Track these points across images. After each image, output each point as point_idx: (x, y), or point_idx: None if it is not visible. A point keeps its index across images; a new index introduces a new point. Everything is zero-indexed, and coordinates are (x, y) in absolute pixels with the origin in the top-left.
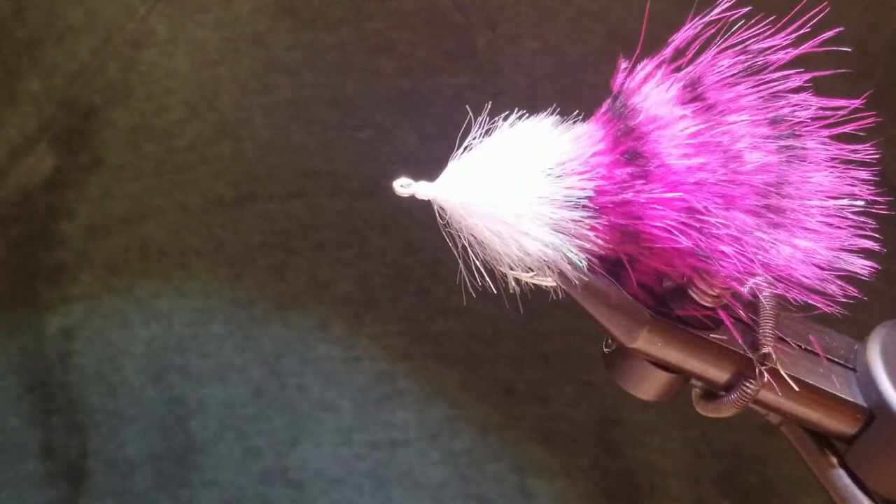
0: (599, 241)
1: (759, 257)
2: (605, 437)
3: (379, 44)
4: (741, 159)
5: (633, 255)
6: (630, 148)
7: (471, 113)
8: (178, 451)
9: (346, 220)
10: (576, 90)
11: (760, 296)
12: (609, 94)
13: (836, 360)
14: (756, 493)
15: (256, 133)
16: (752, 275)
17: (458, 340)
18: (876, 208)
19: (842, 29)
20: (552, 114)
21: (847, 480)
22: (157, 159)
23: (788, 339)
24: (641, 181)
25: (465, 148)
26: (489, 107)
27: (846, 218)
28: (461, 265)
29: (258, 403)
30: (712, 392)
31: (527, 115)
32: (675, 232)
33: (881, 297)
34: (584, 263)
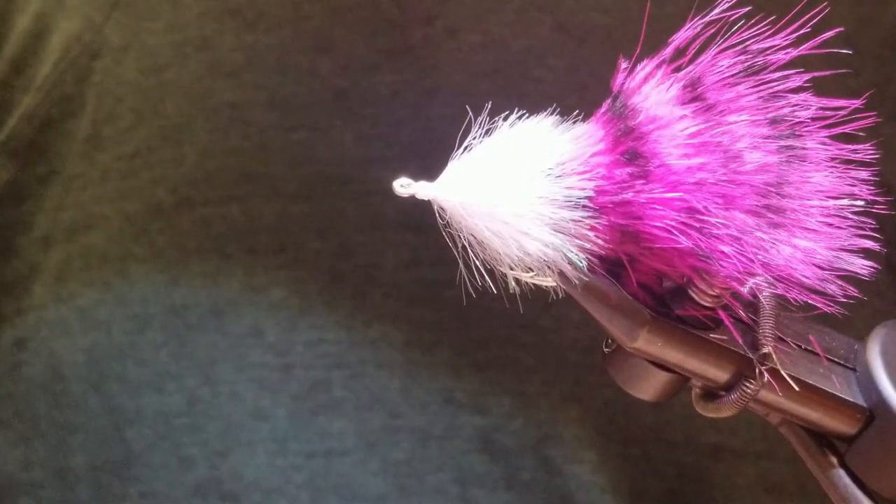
0: (599, 241)
1: (760, 257)
2: (542, 452)
3: (317, 43)
4: (741, 159)
5: (633, 255)
6: (630, 148)
7: (469, 113)
8: (116, 462)
9: (281, 224)
10: (519, 85)
11: (760, 296)
12: (608, 94)
13: (836, 360)
14: None
15: (197, 137)
16: (753, 274)
17: (396, 347)
18: (874, 208)
19: (841, 29)
20: (552, 113)
21: (847, 480)
22: (104, 168)
23: (788, 339)
24: (641, 181)
25: (465, 148)
26: (483, 110)
27: (846, 218)
28: (461, 266)
29: (192, 412)
30: (712, 392)
31: (524, 115)
32: (675, 232)
33: (880, 297)
34: (584, 263)
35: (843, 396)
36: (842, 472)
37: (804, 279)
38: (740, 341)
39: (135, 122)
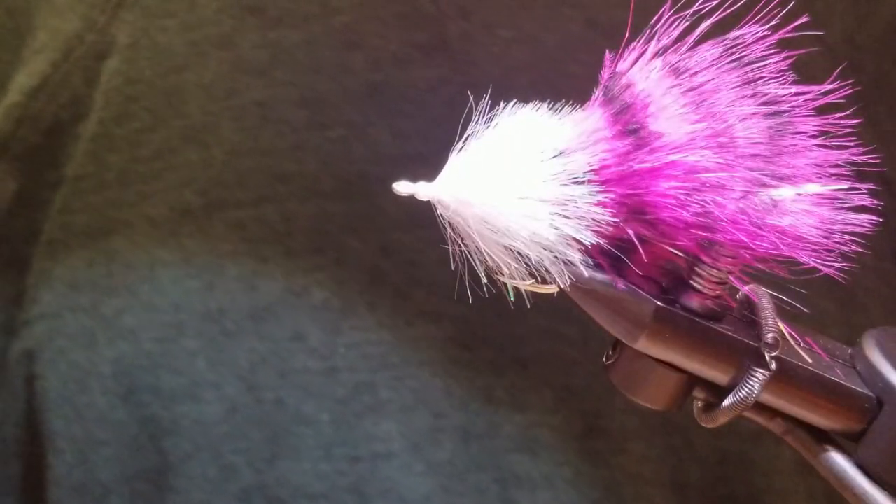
0: (606, 217)
1: (763, 218)
2: (586, 445)
3: (348, 38)
4: (736, 127)
5: (639, 234)
6: (629, 121)
7: (466, 105)
8: (152, 473)
9: (319, 225)
10: (553, 80)
11: (755, 293)
12: (602, 76)
13: (836, 358)
14: (743, 502)
15: (224, 138)
16: (759, 236)
17: (438, 346)
18: (873, 205)
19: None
20: (546, 102)
21: (862, 478)
22: (120, 170)
23: (788, 336)
24: (643, 151)
25: (463, 143)
26: (484, 101)
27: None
28: (460, 267)
29: (233, 420)
30: (713, 403)
31: (521, 104)
32: (681, 198)
33: (878, 298)
34: (593, 242)
35: (850, 386)
36: (856, 471)
37: (809, 236)
38: (745, 334)
39: (152, 123)
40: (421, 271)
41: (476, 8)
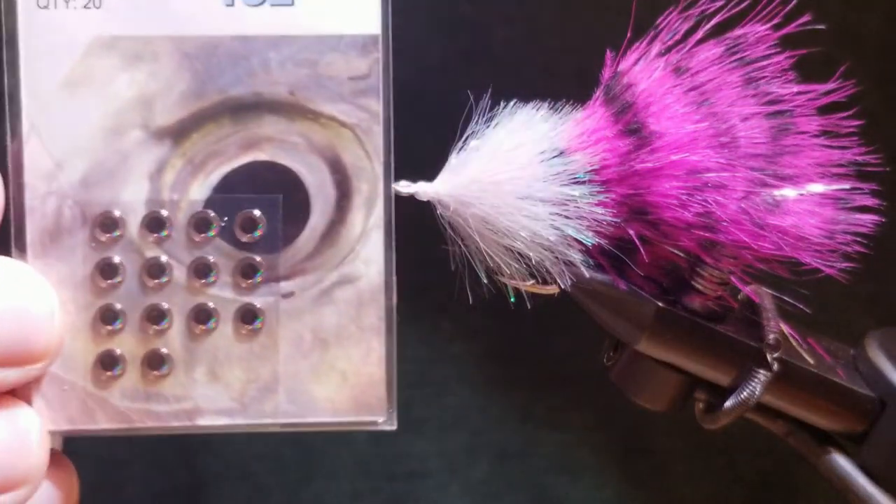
0: (607, 218)
1: (765, 219)
2: (627, 465)
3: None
4: (738, 127)
5: (640, 234)
6: (631, 121)
7: (469, 105)
8: (183, 488)
9: None
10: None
11: (756, 294)
12: (604, 76)
13: (838, 359)
14: None
15: None
16: (760, 236)
17: (477, 363)
18: (875, 205)
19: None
20: (550, 102)
21: (864, 479)
22: None
23: (790, 338)
24: (644, 150)
25: (464, 143)
26: (484, 101)
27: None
28: (460, 268)
29: (267, 440)
30: (715, 404)
31: (522, 104)
32: (682, 198)
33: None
34: (593, 242)
35: (852, 387)
36: (858, 472)
37: (811, 236)
38: (746, 334)
39: None
40: (460, 287)
41: (519, 14)
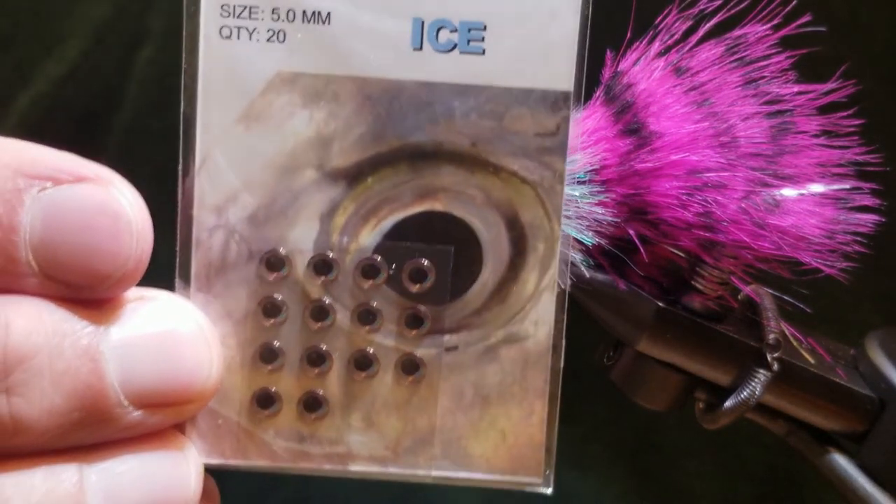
0: (607, 217)
1: (765, 219)
2: (637, 461)
3: None
4: (738, 127)
5: (640, 234)
6: (631, 121)
7: None
8: None
9: None
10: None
11: (757, 293)
12: (603, 75)
13: (838, 359)
14: None
15: None
16: (760, 236)
17: None
18: (875, 205)
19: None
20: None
21: (864, 479)
22: (154, 165)
23: (790, 338)
24: (645, 150)
25: None
26: None
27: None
28: None
29: None
30: (715, 404)
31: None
32: (682, 198)
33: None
34: (593, 242)
35: (852, 387)
36: (858, 472)
37: (812, 236)
38: (747, 334)
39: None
40: None
41: None
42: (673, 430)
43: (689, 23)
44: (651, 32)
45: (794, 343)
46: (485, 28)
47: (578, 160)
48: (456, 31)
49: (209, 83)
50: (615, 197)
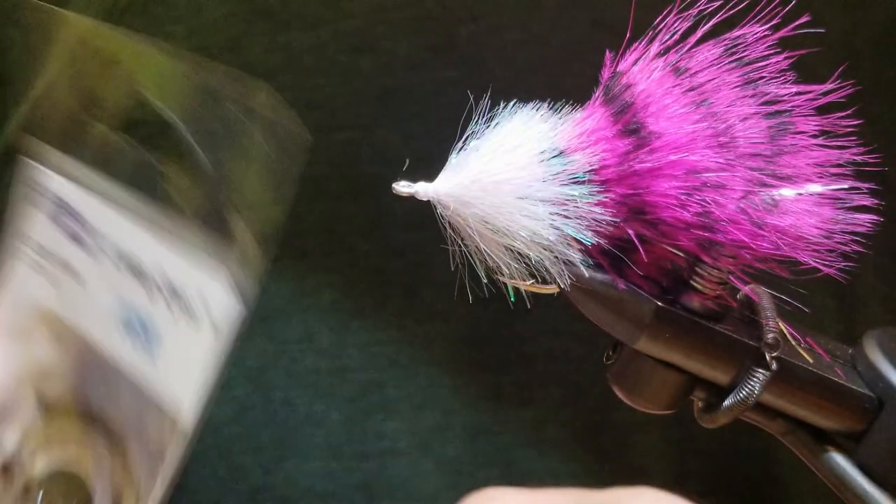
0: (606, 217)
1: (764, 219)
2: (592, 440)
3: (359, 42)
4: (736, 127)
5: (639, 233)
6: (630, 121)
7: (469, 106)
8: None
9: (329, 226)
10: (560, 80)
11: (755, 293)
12: (603, 76)
13: (836, 358)
14: (742, 491)
15: None
16: (759, 236)
17: (447, 344)
18: (875, 206)
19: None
20: (546, 102)
21: (862, 479)
22: None
23: (789, 338)
24: (644, 150)
25: (463, 143)
26: (484, 101)
27: (842, 177)
28: (461, 267)
29: (243, 420)
30: (714, 403)
31: (522, 104)
32: (681, 198)
33: (879, 297)
34: (593, 242)
35: (850, 386)
36: (856, 471)
37: (810, 236)
38: (745, 333)
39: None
40: (430, 272)
41: (484, 11)
42: (624, 409)
43: (689, 23)
44: (650, 33)
45: (793, 342)
46: None
47: (578, 160)
48: None
49: None
50: (614, 197)
